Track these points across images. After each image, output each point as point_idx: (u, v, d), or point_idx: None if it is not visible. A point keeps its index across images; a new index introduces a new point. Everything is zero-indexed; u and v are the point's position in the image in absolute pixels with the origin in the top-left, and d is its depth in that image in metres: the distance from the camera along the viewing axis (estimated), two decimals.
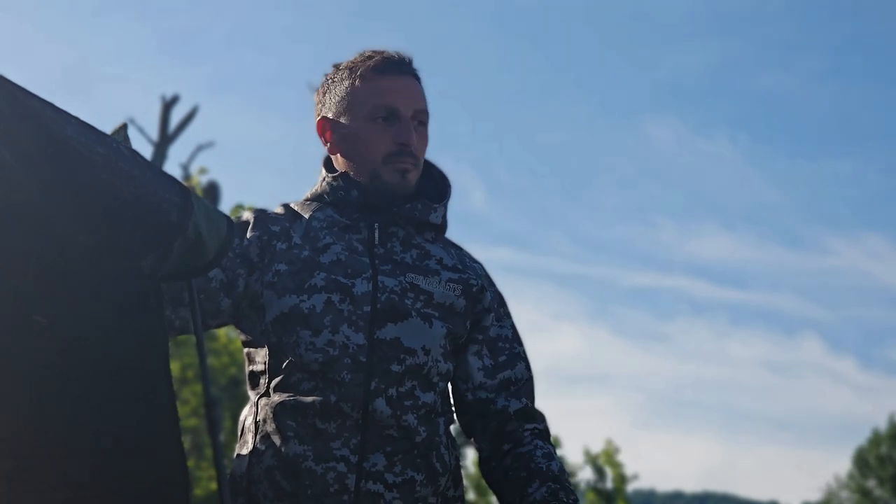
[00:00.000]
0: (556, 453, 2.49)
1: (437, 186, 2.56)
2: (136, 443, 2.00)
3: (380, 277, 2.43)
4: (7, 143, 1.81)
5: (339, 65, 2.54)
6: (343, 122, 2.51)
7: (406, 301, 2.43)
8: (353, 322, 2.39)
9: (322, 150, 2.59)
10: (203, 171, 16.25)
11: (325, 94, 2.55)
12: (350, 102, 2.50)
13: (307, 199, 2.56)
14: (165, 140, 17.15)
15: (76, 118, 1.90)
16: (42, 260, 1.92)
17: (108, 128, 2.01)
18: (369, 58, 2.51)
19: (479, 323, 2.54)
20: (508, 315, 2.60)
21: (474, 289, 2.53)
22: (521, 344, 2.59)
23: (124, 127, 2.09)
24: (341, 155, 2.53)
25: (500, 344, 2.55)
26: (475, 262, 2.60)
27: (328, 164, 2.58)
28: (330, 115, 2.53)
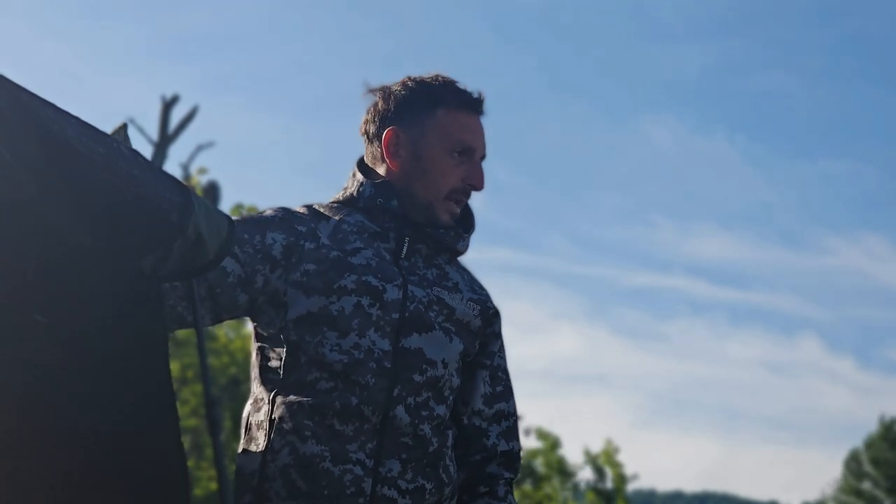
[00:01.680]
0: None
1: (462, 215, 2.59)
2: (136, 442, 2.00)
3: (409, 287, 2.46)
4: (7, 143, 1.81)
5: (417, 80, 2.56)
6: (421, 142, 2.52)
7: (430, 313, 2.47)
8: (380, 327, 2.41)
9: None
10: (203, 171, 16.24)
11: (399, 105, 2.54)
12: (432, 127, 2.52)
13: (335, 203, 2.56)
14: (165, 140, 17.13)
15: (76, 118, 1.90)
16: (42, 260, 1.92)
17: (108, 128, 2.02)
18: (453, 87, 2.55)
19: (486, 347, 2.59)
20: (504, 347, 2.66)
21: (490, 311, 2.59)
22: (510, 379, 2.66)
23: (124, 127, 2.09)
24: (403, 171, 2.53)
25: (499, 374, 2.62)
26: (483, 288, 2.64)
27: (363, 169, 2.58)
28: (406, 130, 2.53)
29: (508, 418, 2.60)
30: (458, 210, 2.55)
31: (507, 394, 2.62)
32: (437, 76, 2.57)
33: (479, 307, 2.56)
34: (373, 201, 2.51)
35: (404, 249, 2.50)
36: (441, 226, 2.53)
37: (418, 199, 2.52)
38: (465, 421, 2.56)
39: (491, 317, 2.59)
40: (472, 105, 2.55)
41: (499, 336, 2.62)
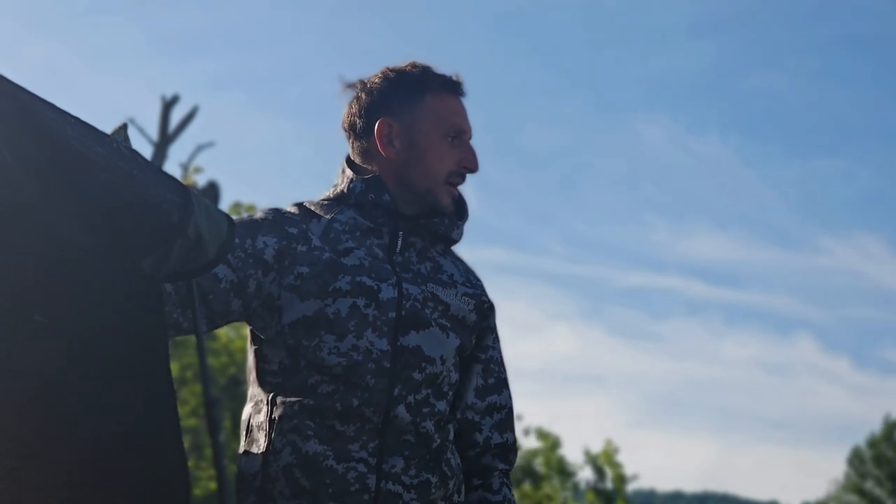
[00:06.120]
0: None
1: (456, 204, 2.58)
2: (137, 443, 2.00)
3: (404, 284, 2.45)
4: (8, 144, 1.81)
5: (397, 69, 2.55)
6: (414, 129, 2.52)
7: (426, 310, 2.46)
8: (377, 328, 2.40)
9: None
10: (197, 170, 16.20)
11: (385, 96, 2.53)
12: (424, 114, 2.52)
13: (326, 200, 2.54)
14: (165, 140, 17.12)
15: (76, 118, 1.90)
16: (43, 260, 1.92)
17: (107, 128, 2.02)
18: (434, 72, 2.56)
19: (481, 341, 2.59)
20: (499, 338, 2.66)
21: (485, 305, 2.58)
22: (506, 370, 2.65)
23: (124, 127, 2.09)
24: (399, 160, 2.52)
25: (492, 366, 2.61)
26: (478, 279, 2.63)
27: (352, 165, 2.57)
28: (397, 119, 2.52)
29: (500, 410, 2.59)
30: (457, 194, 2.55)
31: (500, 385, 2.61)
32: (413, 64, 2.57)
33: (473, 302, 2.55)
34: (364, 197, 2.50)
35: (398, 244, 2.49)
36: (443, 211, 2.53)
37: (417, 186, 2.51)
38: (459, 415, 2.55)
39: (486, 311, 2.58)
40: (456, 88, 2.57)
41: (493, 329, 2.62)
